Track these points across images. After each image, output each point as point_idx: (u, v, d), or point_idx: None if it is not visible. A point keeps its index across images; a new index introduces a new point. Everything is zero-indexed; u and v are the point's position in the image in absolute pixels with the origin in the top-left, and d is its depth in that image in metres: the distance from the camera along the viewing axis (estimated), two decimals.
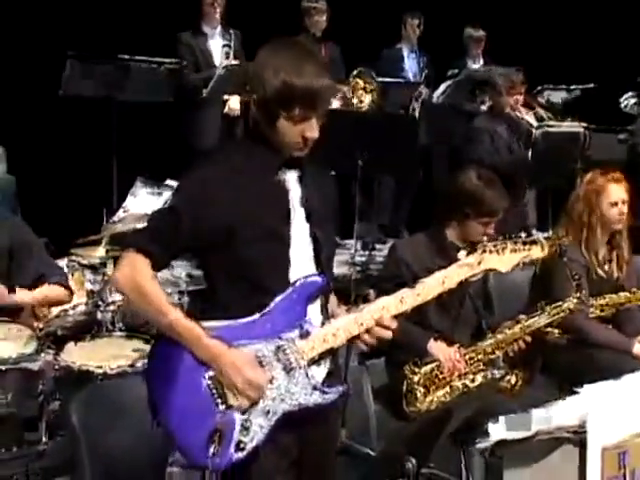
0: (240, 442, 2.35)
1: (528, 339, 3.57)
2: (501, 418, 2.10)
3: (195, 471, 2.51)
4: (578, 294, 3.69)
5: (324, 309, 2.50)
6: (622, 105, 7.48)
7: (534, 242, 2.65)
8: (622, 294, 4.14)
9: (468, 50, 8.06)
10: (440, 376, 3.52)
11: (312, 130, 2.38)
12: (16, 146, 6.02)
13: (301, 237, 2.44)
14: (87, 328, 4.37)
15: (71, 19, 6.74)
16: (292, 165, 2.44)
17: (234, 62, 6.52)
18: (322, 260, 2.46)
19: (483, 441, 2.12)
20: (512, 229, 2.75)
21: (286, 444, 2.43)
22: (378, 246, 7.11)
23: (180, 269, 5.25)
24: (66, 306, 4.29)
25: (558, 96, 7.75)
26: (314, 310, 2.46)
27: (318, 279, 2.43)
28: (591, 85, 7.75)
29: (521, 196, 6.43)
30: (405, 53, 7.87)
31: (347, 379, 2.69)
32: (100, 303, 4.42)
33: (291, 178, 2.45)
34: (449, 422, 3.36)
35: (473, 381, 3.55)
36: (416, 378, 3.49)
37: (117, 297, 4.36)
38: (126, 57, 5.95)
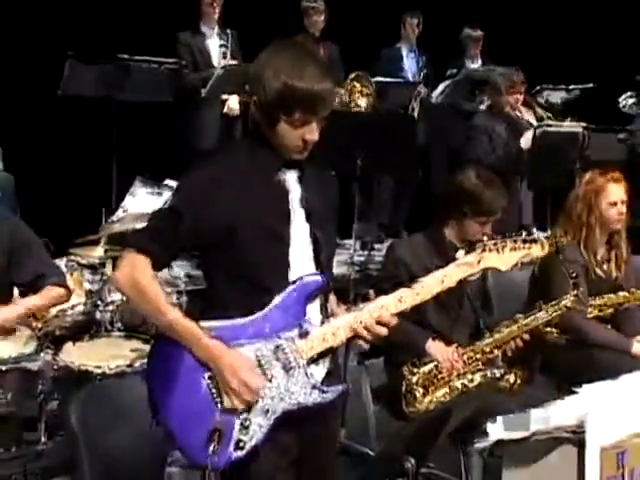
0: (239, 441, 2.35)
1: (526, 337, 3.56)
2: (500, 418, 2.09)
3: (195, 470, 2.51)
4: (575, 292, 3.69)
5: (323, 308, 2.50)
6: (621, 105, 7.48)
7: (534, 241, 2.65)
8: (621, 294, 4.14)
9: (466, 50, 8.06)
10: (439, 376, 3.51)
11: (312, 133, 2.38)
12: (16, 146, 6.02)
13: (301, 237, 2.44)
14: (86, 328, 4.36)
15: (71, 19, 6.74)
16: (292, 165, 2.44)
17: (232, 62, 6.53)
18: (322, 260, 2.46)
19: (482, 441, 2.12)
20: (507, 227, 2.74)
21: (286, 443, 2.44)
22: (377, 246, 7.12)
23: (179, 269, 5.25)
24: (65, 306, 4.26)
25: (557, 96, 7.74)
26: (313, 309, 2.46)
27: (317, 278, 2.44)
28: (590, 85, 7.74)
29: (513, 190, 6.39)
30: (404, 53, 7.87)
31: (346, 379, 2.69)
32: (99, 303, 4.41)
33: (291, 178, 2.45)
34: (448, 422, 3.35)
35: (472, 381, 3.54)
36: (415, 378, 3.48)
37: (116, 297, 4.35)
38: (126, 57, 5.93)
